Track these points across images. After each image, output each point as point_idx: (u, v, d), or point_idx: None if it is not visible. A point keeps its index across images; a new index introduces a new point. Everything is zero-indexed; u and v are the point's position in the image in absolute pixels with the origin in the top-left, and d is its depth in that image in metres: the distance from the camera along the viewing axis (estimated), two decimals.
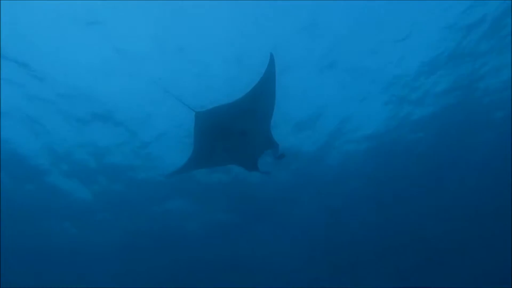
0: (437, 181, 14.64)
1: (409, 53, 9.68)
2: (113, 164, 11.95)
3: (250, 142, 6.43)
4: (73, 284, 17.07)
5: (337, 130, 11.85)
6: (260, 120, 6.31)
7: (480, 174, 14.30)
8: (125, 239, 15.39)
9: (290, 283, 19.17)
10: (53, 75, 8.89)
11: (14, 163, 11.11)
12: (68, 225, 14.27)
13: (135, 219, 14.33)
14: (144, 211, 14.08)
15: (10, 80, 8.60)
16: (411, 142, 12.83)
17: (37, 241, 14.75)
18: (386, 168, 13.60)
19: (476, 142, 13.14)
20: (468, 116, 12.15)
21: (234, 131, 6.32)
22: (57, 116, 9.98)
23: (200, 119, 6.45)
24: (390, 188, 14.42)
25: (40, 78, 8.77)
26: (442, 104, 11.63)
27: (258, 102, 6.12)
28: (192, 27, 8.49)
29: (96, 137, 10.82)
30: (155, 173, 12.26)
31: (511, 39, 9.60)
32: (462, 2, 8.65)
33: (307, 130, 11.78)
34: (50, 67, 8.61)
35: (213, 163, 7.33)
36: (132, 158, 11.79)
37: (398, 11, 8.65)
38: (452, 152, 13.46)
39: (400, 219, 16.33)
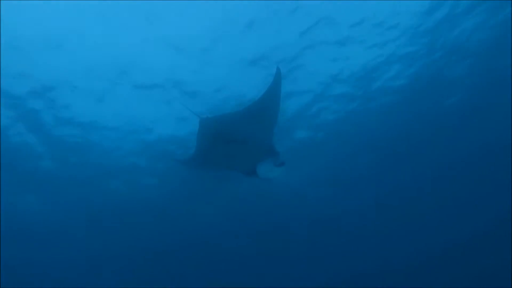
0: None
1: None
2: None
3: (252, 150, 6.55)
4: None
5: None
6: (263, 129, 6.42)
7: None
8: None
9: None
10: None
11: None
12: None
13: None
14: None
15: None
16: None
17: None
18: None
19: None
20: None
21: (237, 139, 6.42)
22: None
23: (204, 125, 6.55)
24: None
25: None
26: None
27: (262, 113, 6.23)
28: None
29: None
30: None
31: None
32: None
33: None
34: None
35: (213, 167, 7.47)
36: None
37: None
38: None
39: None
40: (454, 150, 13.53)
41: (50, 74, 8.76)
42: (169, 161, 11.05)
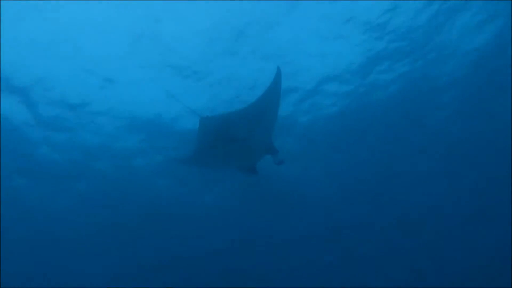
0: None
1: None
2: None
3: (251, 149, 6.67)
4: None
5: None
6: (263, 128, 6.53)
7: None
8: None
9: None
10: None
11: None
12: None
13: None
14: None
15: None
16: None
17: None
18: None
19: None
20: None
21: (237, 138, 6.52)
22: None
23: (204, 124, 6.62)
24: None
25: None
26: None
27: (262, 112, 6.32)
28: None
29: None
30: None
31: None
32: None
33: None
34: None
35: (212, 165, 7.56)
36: None
37: None
38: None
39: None
40: (448, 146, 13.84)
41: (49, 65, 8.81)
42: (167, 151, 11.11)
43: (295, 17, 8.85)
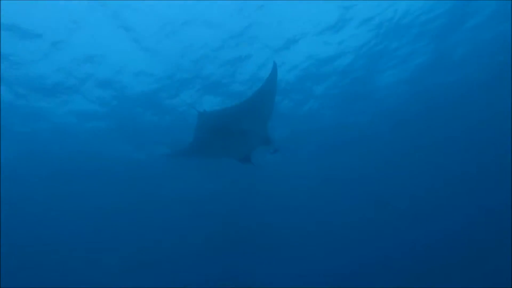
0: None
1: None
2: None
3: (248, 141, 7.01)
4: None
5: None
6: (259, 121, 6.88)
7: None
8: None
9: None
10: None
11: None
12: None
13: None
14: None
15: None
16: None
17: None
18: None
19: None
20: None
21: (234, 131, 6.85)
22: None
23: (202, 119, 6.92)
24: None
25: None
26: None
27: (258, 106, 6.65)
28: None
29: None
30: None
31: None
32: None
33: None
34: None
35: (209, 156, 7.88)
36: None
37: None
38: None
39: None
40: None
41: None
42: None
43: None
